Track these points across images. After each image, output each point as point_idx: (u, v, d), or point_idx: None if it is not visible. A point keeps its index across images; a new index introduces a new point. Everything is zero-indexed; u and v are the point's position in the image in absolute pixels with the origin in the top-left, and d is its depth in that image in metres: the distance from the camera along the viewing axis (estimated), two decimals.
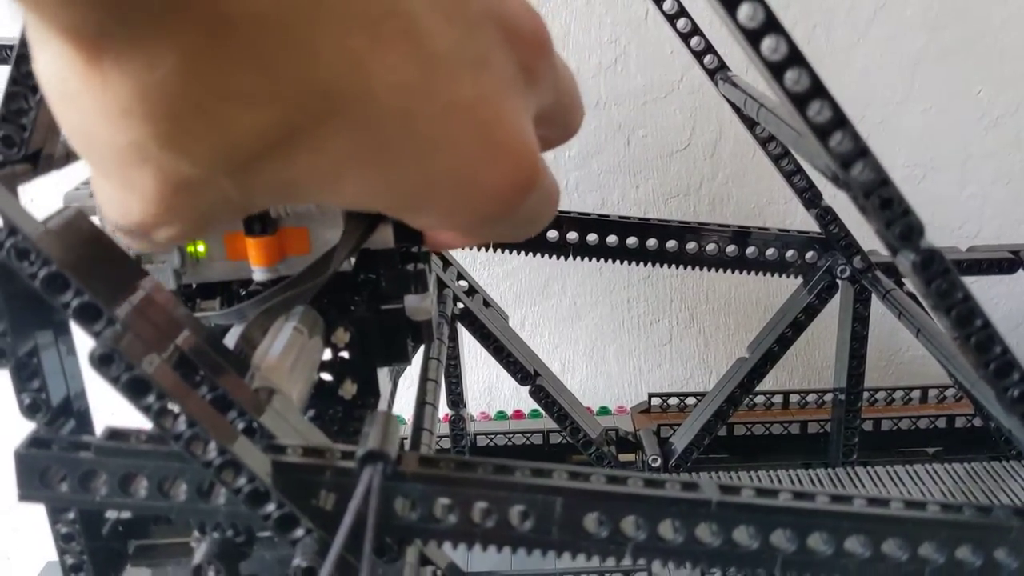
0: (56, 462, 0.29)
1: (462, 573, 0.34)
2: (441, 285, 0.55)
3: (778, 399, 0.64)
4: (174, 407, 0.27)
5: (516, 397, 0.61)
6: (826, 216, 0.55)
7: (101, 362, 0.27)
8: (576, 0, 0.65)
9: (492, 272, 0.68)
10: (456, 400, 0.61)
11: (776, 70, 0.29)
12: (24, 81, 0.29)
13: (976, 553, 0.30)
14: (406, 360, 0.43)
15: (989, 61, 0.68)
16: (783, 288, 0.56)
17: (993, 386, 0.44)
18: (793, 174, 0.54)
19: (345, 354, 0.42)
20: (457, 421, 0.62)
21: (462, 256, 0.59)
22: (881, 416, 0.63)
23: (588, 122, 0.72)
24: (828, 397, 0.61)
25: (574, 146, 0.69)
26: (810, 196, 0.54)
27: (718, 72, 0.53)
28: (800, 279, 0.56)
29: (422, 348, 0.47)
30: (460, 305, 0.56)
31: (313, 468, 0.29)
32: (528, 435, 0.65)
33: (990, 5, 0.67)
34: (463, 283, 0.58)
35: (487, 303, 0.59)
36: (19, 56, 0.30)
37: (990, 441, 0.61)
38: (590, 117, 0.69)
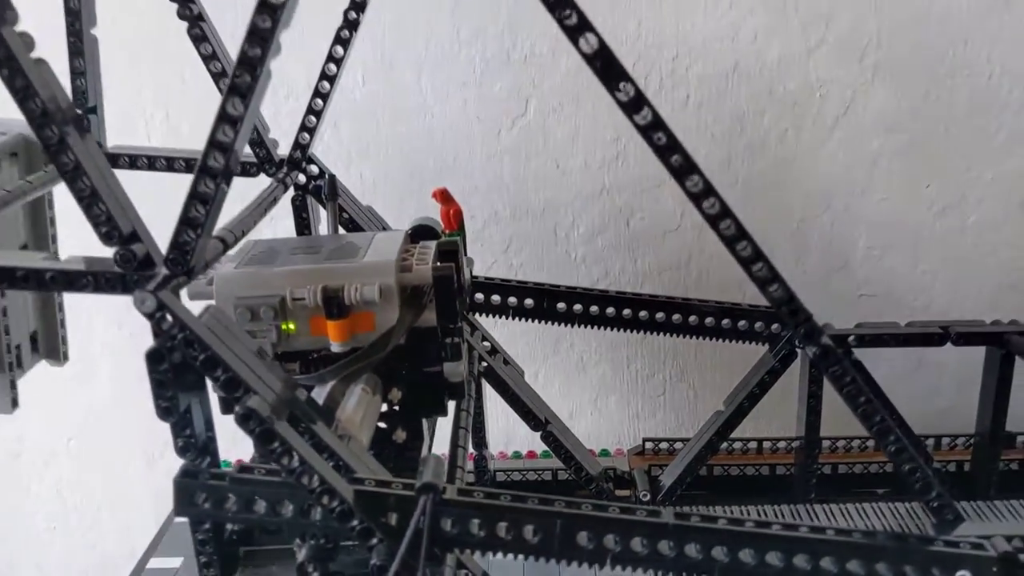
0: (201, 489, 0.41)
1: (486, 575, 0.45)
2: (469, 348, 0.66)
3: (752, 445, 0.75)
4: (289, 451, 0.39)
5: (530, 439, 0.71)
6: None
7: (243, 420, 0.38)
8: (586, 105, 0.77)
9: (511, 331, 0.79)
10: (480, 442, 0.72)
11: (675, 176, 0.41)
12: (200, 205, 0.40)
13: (863, 566, 0.40)
14: (444, 414, 0.54)
15: (936, 160, 0.79)
16: (757, 351, 0.67)
17: (880, 443, 0.55)
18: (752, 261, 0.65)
19: (397, 408, 0.53)
20: (481, 460, 0.72)
21: (486, 318, 0.71)
22: (838, 461, 0.73)
23: (594, 206, 0.84)
24: (795, 444, 0.72)
25: (582, 226, 0.81)
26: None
27: None
28: (767, 346, 0.67)
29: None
30: (484, 364, 0.67)
31: (383, 496, 0.41)
32: (540, 472, 0.75)
33: (936, 112, 0.78)
34: (487, 344, 0.70)
35: (506, 361, 0.70)
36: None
37: None
38: (596, 202, 0.80)
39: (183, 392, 0.40)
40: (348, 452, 0.42)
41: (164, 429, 0.54)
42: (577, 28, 0.41)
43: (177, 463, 0.55)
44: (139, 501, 0.91)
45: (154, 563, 0.70)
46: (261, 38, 0.38)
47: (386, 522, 0.40)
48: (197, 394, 0.41)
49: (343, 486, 0.39)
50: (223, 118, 0.39)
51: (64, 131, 0.38)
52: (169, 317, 0.39)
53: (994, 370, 0.67)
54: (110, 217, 0.39)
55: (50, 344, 0.66)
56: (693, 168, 0.45)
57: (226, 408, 0.43)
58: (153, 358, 0.39)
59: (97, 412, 0.90)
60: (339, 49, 0.62)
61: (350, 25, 0.62)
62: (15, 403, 0.62)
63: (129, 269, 0.39)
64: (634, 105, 0.42)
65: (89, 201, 0.39)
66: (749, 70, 0.77)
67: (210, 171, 0.40)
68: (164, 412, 0.40)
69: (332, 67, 0.62)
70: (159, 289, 0.39)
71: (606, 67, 0.41)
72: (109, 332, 0.85)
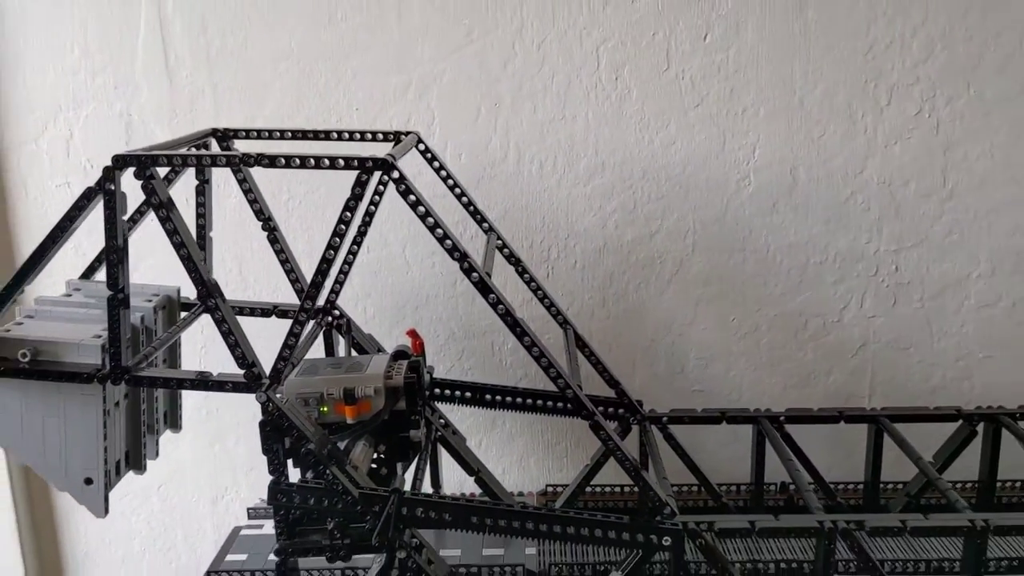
0: (282, 491, 0.78)
1: (431, 549, 0.82)
2: (428, 423, 1.04)
3: (608, 489, 1.11)
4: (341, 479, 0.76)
5: (471, 484, 1.09)
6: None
7: (305, 455, 0.76)
8: (506, 271, 1.17)
9: (460, 412, 1.17)
10: (436, 483, 1.09)
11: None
12: (288, 349, 0.79)
13: (601, 531, 0.78)
14: (409, 461, 0.92)
15: (737, 302, 1.18)
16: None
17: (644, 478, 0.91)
18: (601, 369, 1.04)
19: (383, 456, 0.91)
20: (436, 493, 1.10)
21: (443, 405, 1.09)
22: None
23: None
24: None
25: (509, 343, 1.20)
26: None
27: None
28: (616, 423, 1.05)
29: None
30: (439, 433, 1.05)
31: (373, 495, 0.78)
32: None
33: (733, 273, 1.18)
34: (443, 420, 1.08)
35: (455, 432, 1.08)
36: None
37: None
38: None
39: (275, 442, 0.78)
40: (357, 475, 0.80)
41: (225, 480, 0.91)
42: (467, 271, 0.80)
43: (231, 505, 0.94)
44: (205, 530, 1.27)
45: (229, 558, 1.07)
46: (339, 235, 0.76)
47: (375, 509, 0.78)
48: (281, 444, 0.79)
49: (354, 490, 0.77)
50: (310, 296, 0.78)
51: (216, 299, 0.77)
52: (271, 405, 0.77)
53: (761, 440, 1.06)
54: (241, 352, 0.78)
55: (136, 459, 0.90)
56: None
57: (292, 454, 0.81)
58: (263, 425, 0.77)
59: (179, 467, 1.27)
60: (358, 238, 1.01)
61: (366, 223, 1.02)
62: (106, 511, 0.85)
63: (251, 380, 0.78)
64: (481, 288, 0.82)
65: (231, 341, 0.78)
66: (613, 247, 1.16)
67: (296, 327, 0.78)
68: (267, 450, 0.78)
69: (355, 247, 1.01)
70: (267, 390, 0.77)
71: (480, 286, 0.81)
72: (189, 415, 1.23)
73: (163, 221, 0.75)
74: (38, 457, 0.82)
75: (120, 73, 1.12)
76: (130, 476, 0.91)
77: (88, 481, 0.83)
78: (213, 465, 1.24)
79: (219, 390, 0.78)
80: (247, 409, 1.16)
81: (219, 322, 0.77)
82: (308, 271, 1.00)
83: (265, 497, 1.04)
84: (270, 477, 0.79)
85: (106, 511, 0.84)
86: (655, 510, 0.79)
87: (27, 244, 1.16)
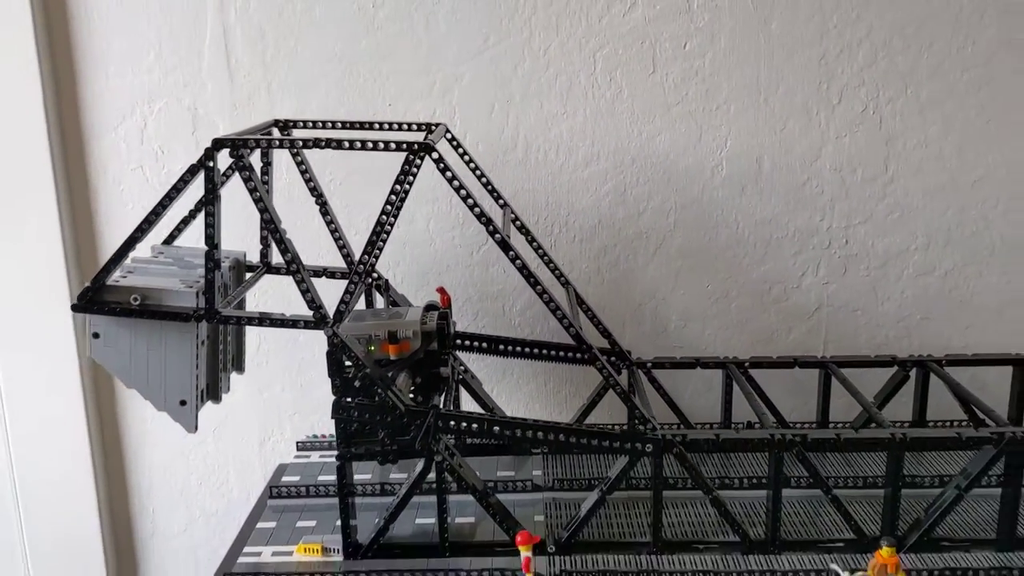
0: (344, 407, 0.96)
1: (460, 458, 1.01)
2: (452, 366, 1.24)
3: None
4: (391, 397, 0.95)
5: None
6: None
7: (364, 377, 0.95)
8: (520, 241, 1.36)
9: (476, 364, 1.36)
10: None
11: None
12: (347, 297, 0.98)
13: (580, 439, 0.97)
14: (439, 392, 1.11)
15: (710, 271, 1.38)
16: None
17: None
18: (601, 329, 1.24)
19: (418, 384, 1.10)
20: None
21: (463, 353, 1.27)
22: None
23: (523, 295, 1.42)
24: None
25: (518, 305, 1.39)
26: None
27: None
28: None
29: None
30: (460, 375, 1.24)
31: (417, 411, 0.97)
32: None
33: (708, 248, 1.38)
34: (463, 366, 1.27)
35: (473, 376, 1.27)
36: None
37: None
38: (524, 292, 1.38)
39: (338, 369, 0.97)
40: (403, 396, 0.99)
41: (271, 423, 1.12)
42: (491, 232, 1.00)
43: (279, 442, 1.14)
44: (253, 467, 1.46)
45: (284, 479, 1.25)
46: (391, 204, 0.96)
47: (417, 422, 0.97)
48: (342, 371, 0.98)
49: (402, 406, 0.96)
50: (366, 254, 0.96)
51: (294, 257, 0.96)
52: (336, 338, 0.96)
53: (729, 383, 1.25)
54: (312, 297, 0.97)
55: (214, 391, 1.07)
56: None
57: (345, 384, 1.00)
58: (330, 354, 0.96)
59: (231, 412, 1.45)
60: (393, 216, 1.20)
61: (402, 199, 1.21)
62: (196, 427, 1.02)
63: (320, 320, 0.97)
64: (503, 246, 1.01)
65: (303, 288, 0.97)
66: (607, 223, 1.35)
67: (355, 278, 0.97)
68: (332, 374, 0.96)
69: (392, 219, 1.18)
70: (333, 326, 0.96)
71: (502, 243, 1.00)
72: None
73: (252, 191, 0.94)
74: (143, 383, 1.01)
75: (188, 73, 1.30)
76: (207, 407, 1.10)
77: (182, 403, 1.01)
78: (261, 411, 1.42)
79: (294, 327, 0.97)
80: (291, 360, 1.36)
81: (295, 273, 0.96)
82: (350, 240, 1.19)
83: (309, 436, 1.24)
84: (332, 398, 0.98)
85: (196, 428, 1.02)
86: (641, 425, 0.98)
87: (106, 217, 1.34)
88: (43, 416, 1.36)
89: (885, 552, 0.91)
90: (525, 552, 0.90)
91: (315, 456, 1.26)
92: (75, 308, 0.96)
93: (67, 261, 1.31)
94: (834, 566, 0.94)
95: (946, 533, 1.02)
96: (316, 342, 1.35)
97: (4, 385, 1.36)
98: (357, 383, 0.96)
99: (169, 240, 1.12)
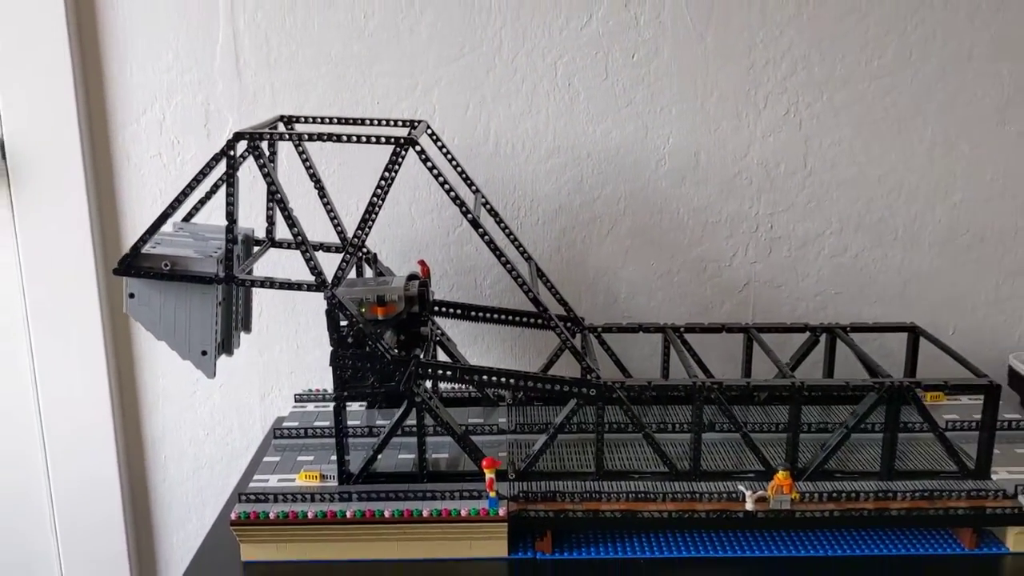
0: (341, 357, 1.16)
1: (438, 401, 1.21)
2: (431, 328, 1.43)
3: None
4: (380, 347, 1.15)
5: None
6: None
7: (359, 333, 1.14)
8: (489, 222, 1.55)
9: (451, 331, 1.56)
10: None
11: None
12: (344, 266, 1.17)
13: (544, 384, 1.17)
14: (420, 348, 1.30)
15: (657, 250, 1.58)
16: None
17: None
18: (559, 297, 1.44)
19: (402, 340, 1.29)
20: None
21: (440, 319, 1.47)
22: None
23: (494, 270, 1.62)
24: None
25: (489, 279, 1.59)
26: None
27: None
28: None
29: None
30: (437, 337, 1.44)
31: (401, 359, 1.16)
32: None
33: (656, 227, 1.58)
34: (439, 329, 1.46)
35: (448, 339, 1.47)
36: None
37: None
38: (495, 268, 1.58)
39: (336, 325, 1.16)
40: (390, 348, 1.18)
41: (270, 381, 1.31)
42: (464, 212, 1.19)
43: (277, 398, 1.34)
44: (254, 419, 1.65)
45: (286, 424, 1.43)
46: (380, 187, 1.15)
47: (402, 369, 1.16)
48: (338, 327, 1.17)
49: (389, 356, 1.16)
50: (358, 233, 1.16)
51: (300, 231, 1.15)
52: (335, 299, 1.15)
53: (667, 346, 1.45)
54: (314, 264, 1.16)
55: (228, 346, 1.21)
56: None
57: (341, 337, 1.19)
58: (329, 312, 1.15)
59: (235, 371, 1.64)
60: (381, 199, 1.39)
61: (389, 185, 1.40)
62: (215, 374, 1.17)
63: (321, 283, 1.16)
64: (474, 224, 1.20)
65: (307, 256, 1.15)
66: (566, 209, 1.54)
67: (350, 249, 1.16)
68: (331, 330, 1.15)
69: (380, 202, 1.39)
70: (332, 289, 1.15)
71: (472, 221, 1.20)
72: None
73: (265, 176, 1.13)
74: (170, 336, 1.19)
75: (202, 72, 1.48)
76: (222, 359, 1.29)
77: (204, 352, 1.19)
78: (261, 370, 1.61)
79: (299, 290, 1.16)
80: (288, 327, 1.55)
81: (300, 244, 1.14)
82: (342, 220, 1.38)
83: (305, 390, 1.43)
84: (331, 349, 1.17)
85: (214, 374, 1.21)
86: (588, 375, 1.19)
87: (128, 197, 1.52)
88: (70, 378, 1.54)
89: (781, 475, 1.12)
90: (489, 473, 1.10)
91: (311, 406, 1.45)
92: (116, 272, 1.15)
93: (94, 235, 1.49)
94: (741, 487, 1.14)
95: (840, 467, 1.22)
96: (311, 311, 1.54)
97: (37, 349, 1.54)
98: (351, 337, 1.14)
99: (188, 218, 1.30)
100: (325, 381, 1.52)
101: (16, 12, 1.38)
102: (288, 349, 1.57)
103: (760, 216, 1.50)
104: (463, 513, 1.09)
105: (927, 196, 1.50)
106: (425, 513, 1.09)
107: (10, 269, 1.50)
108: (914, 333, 1.41)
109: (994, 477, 1.17)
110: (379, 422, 1.36)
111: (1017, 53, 1.46)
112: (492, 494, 1.10)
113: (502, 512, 1.09)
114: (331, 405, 1.16)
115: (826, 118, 1.45)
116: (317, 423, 1.37)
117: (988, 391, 1.16)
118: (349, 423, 1.32)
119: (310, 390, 1.48)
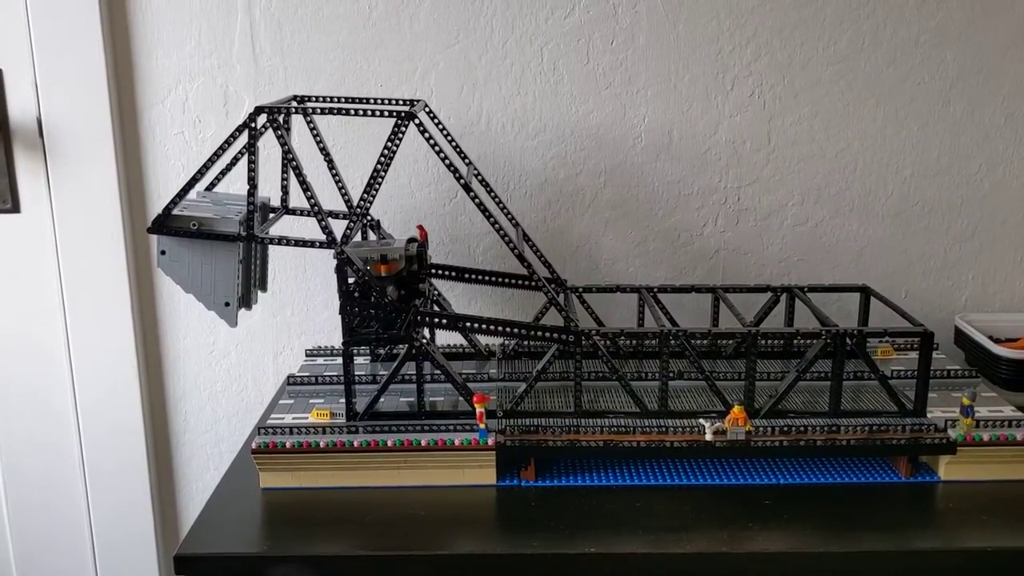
0: (348, 311, 1.30)
1: (434, 346, 1.35)
2: (429, 286, 1.57)
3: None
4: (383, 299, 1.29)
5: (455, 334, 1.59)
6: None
7: (364, 285, 1.28)
8: (483, 195, 1.69)
9: (447, 291, 1.70)
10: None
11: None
12: (351, 228, 1.31)
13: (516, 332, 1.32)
14: (419, 299, 1.44)
15: (635, 221, 1.72)
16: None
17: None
18: (544, 261, 1.58)
19: (402, 294, 1.43)
20: None
21: (436, 280, 1.61)
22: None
23: (487, 238, 1.76)
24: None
25: (481, 246, 1.73)
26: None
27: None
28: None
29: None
30: (434, 296, 1.58)
31: (404, 309, 1.30)
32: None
33: (635, 201, 1.72)
34: (435, 290, 1.60)
35: (444, 299, 1.61)
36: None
37: None
38: (488, 236, 1.72)
39: (344, 280, 1.30)
40: (390, 302, 1.32)
41: (283, 340, 1.45)
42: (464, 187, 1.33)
43: (289, 356, 1.48)
44: (268, 376, 1.79)
45: (299, 373, 1.57)
46: (384, 155, 1.29)
47: (403, 316, 1.30)
48: (346, 282, 1.31)
49: (390, 306, 1.30)
50: (363, 201, 1.30)
51: (314, 194, 1.29)
52: (344, 255, 1.29)
53: (642, 306, 1.59)
54: (326, 223, 1.29)
55: (247, 300, 1.30)
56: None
57: (349, 290, 1.33)
58: (338, 267, 1.28)
59: (250, 331, 1.77)
60: (384, 168, 1.53)
61: (391, 156, 1.54)
62: (236, 323, 1.31)
63: (331, 241, 1.30)
64: (466, 188, 1.34)
65: (320, 218, 1.29)
66: (551, 182, 1.68)
67: (355, 216, 1.30)
68: (340, 283, 1.30)
69: (384, 172, 1.53)
70: (341, 245, 1.29)
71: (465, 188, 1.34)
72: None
73: (283, 146, 1.27)
74: (197, 289, 1.33)
75: (221, 57, 1.61)
76: (241, 313, 1.43)
77: (227, 304, 1.33)
78: (275, 330, 1.75)
79: (311, 247, 1.30)
80: (299, 289, 1.69)
81: (312, 205, 1.29)
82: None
83: (315, 346, 1.57)
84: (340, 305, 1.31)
85: (236, 324, 1.34)
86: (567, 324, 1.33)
87: (153, 170, 1.65)
88: (99, 337, 1.67)
89: (736, 410, 1.26)
90: (479, 408, 1.24)
91: (320, 360, 1.58)
92: (150, 230, 1.28)
93: (122, 207, 1.63)
94: (701, 420, 1.28)
95: (793, 408, 1.36)
96: (320, 275, 1.68)
97: (69, 310, 1.68)
98: (357, 290, 1.29)
99: (210, 187, 1.45)
100: (333, 339, 1.66)
101: (54, 5, 1.52)
102: (299, 311, 1.70)
103: (728, 189, 1.63)
104: (456, 443, 1.23)
105: (880, 171, 1.63)
106: (423, 443, 1.23)
107: (46, 237, 1.64)
108: (865, 293, 1.54)
109: (930, 416, 1.31)
110: (381, 372, 1.50)
111: (960, 40, 1.60)
112: (482, 426, 1.23)
113: (491, 442, 1.23)
114: (339, 359, 1.29)
115: (787, 99, 1.58)
116: (327, 373, 1.51)
117: (923, 337, 1.30)
118: (356, 373, 1.46)
119: (320, 347, 1.62)
